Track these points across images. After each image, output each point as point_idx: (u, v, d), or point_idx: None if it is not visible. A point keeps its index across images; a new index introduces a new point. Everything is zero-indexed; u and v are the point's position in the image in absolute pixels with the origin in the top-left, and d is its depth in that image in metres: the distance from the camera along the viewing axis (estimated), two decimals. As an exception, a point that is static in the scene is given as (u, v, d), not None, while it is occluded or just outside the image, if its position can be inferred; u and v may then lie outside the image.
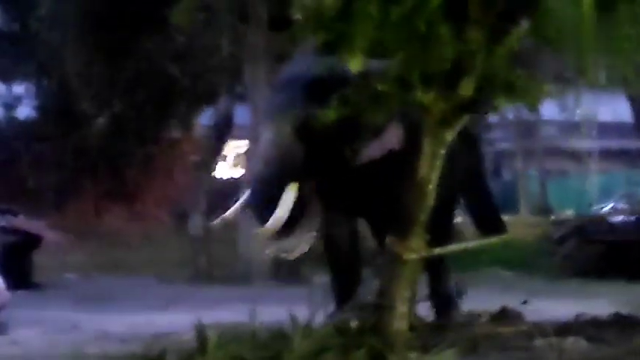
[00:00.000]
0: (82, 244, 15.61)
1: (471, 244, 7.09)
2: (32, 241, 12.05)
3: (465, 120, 4.69)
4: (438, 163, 4.72)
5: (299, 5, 4.52)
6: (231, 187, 16.23)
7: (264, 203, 5.84)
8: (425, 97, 4.42)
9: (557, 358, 5.53)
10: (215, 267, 13.53)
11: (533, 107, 4.97)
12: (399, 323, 4.94)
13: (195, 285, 12.32)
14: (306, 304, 5.46)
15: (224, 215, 6.29)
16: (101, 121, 18.53)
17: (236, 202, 6.45)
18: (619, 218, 14.63)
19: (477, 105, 4.67)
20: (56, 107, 18.89)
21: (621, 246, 13.19)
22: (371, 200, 6.13)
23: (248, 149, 13.65)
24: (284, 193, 5.75)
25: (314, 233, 6.12)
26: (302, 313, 5.40)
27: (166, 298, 10.02)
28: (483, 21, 4.34)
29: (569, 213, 20.58)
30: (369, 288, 5.65)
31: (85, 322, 7.77)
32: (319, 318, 5.53)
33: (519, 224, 16.60)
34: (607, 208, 18.11)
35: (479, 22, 4.32)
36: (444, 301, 6.86)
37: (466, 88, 4.40)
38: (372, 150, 5.84)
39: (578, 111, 18.12)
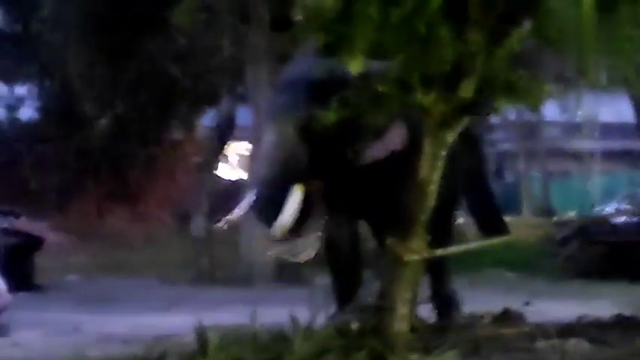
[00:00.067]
0: (84, 246, 15.61)
1: (472, 245, 7.08)
2: (34, 242, 12.05)
3: (465, 121, 4.68)
4: (439, 164, 4.71)
5: (300, 6, 4.51)
6: (233, 189, 16.26)
7: (269, 205, 5.82)
8: (425, 98, 4.41)
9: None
10: (217, 268, 13.52)
11: (535, 108, 4.96)
12: (400, 325, 4.94)
13: (197, 286, 12.32)
14: (308, 305, 5.45)
15: (228, 217, 6.24)
16: (103, 122, 18.53)
17: (240, 203, 6.42)
18: (621, 219, 14.61)
19: (478, 106, 4.66)
20: (58, 108, 18.90)
21: (624, 247, 13.18)
22: (374, 201, 6.12)
23: (250, 150, 13.63)
24: (289, 194, 5.73)
25: (319, 235, 6.09)
26: (304, 314, 5.39)
27: (168, 299, 10.01)
28: (483, 22, 4.33)
29: (571, 214, 20.54)
30: (370, 289, 5.64)
31: (87, 324, 7.75)
32: (320, 319, 5.52)
33: (522, 225, 16.57)
34: (610, 209, 18.07)
35: (479, 24, 4.31)
36: (445, 302, 6.85)
37: (466, 90, 4.39)
38: (376, 151, 5.83)
39: (579, 112, 18.12)
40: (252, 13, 12.82)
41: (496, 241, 6.96)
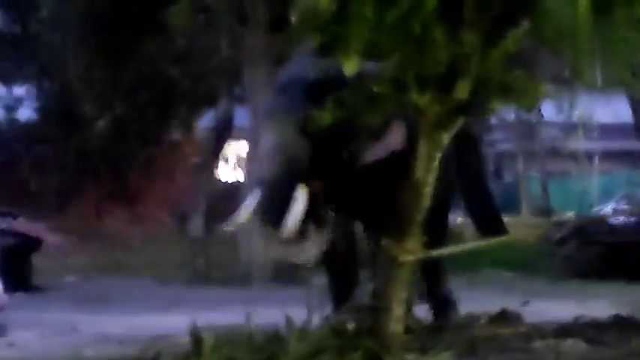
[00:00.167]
0: (83, 246, 15.63)
1: (470, 245, 7.07)
2: (32, 243, 12.06)
3: (460, 122, 4.67)
4: (435, 165, 4.71)
5: (296, 7, 4.50)
6: (232, 189, 16.27)
7: (273, 206, 5.80)
8: (420, 99, 4.40)
9: (555, 360, 5.52)
10: (214, 268, 13.53)
11: (530, 109, 4.96)
12: (396, 325, 4.93)
13: (193, 287, 12.32)
14: (305, 305, 5.44)
15: (234, 219, 6.16)
16: (102, 123, 18.54)
17: (240, 204, 6.37)
18: (620, 219, 14.62)
19: (473, 107, 4.65)
20: (57, 109, 18.92)
21: (621, 247, 13.18)
22: (374, 201, 6.10)
23: (248, 151, 13.63)
24: (293, 195, 5.71)
25: (326, 235, 6.07)
26: (301, 314, 5.39)
27: (165, 299, 10.02)
28: (479, 23, 4.32)
29: (570, 214, 20.55)
30: (365, 290, 5.63)
31: (84, 324, 7.75)
32: (316, 320, 5.52)
33: (520, 225, 16.59)
34: (608, 209, 18.08)
35: (474, 25, 4.31)
36: (441, 302, 6.85)
37: (462, 91, 4.38)
38: (377, 151, 5.82)
39: (576, 112, 18.15)
40: (250, 14, 12.82)
41: (494, 241, 6.95)
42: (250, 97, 13.21)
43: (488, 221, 7.21)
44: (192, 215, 14.26)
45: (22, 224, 12.25)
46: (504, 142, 25.51)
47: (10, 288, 8.40)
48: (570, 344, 5.91)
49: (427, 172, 4.69)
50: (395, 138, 5.75)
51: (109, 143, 18.47)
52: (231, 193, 15.19)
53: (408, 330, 5.41)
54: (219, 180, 20.83)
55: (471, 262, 11.71)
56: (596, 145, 26.01)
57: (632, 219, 14.35)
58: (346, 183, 6.02)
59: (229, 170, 23.53)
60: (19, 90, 19.95)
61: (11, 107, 19.97)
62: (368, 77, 4.72)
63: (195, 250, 13.91)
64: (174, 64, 16.53)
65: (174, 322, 7.04)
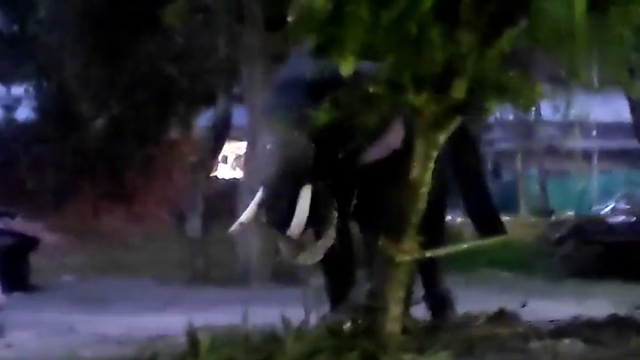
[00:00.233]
0: (81, 245, 15.62)
1: (468, 244, 7.08)
2: (29, 243, 12.05)
3: (457, 122, 4.67)
4: (431, 165, 4.71)
5: (294, 7, 4.51)
6: (230, 188, 16.26)
7: (278, 207, 5.78)
8: (417, 99, 4.41)
9: (553, 360, 5.52)
10: (213, 268, 13.52)
11: (527, 109, 4.96)
12: (392, 325, 4.93)
13: (192, 286, 12.32)
14: (302, 305, 5.44)
15: (240, 220, 6.13)
16: (100, 122, 18.54)
17: (238, 204, 6.35)
18: (619, 219, 14.62)
19: (469, 107, 4.66)
20: (55, 109, 18.91)
21: (619, 247, 13.19)
22: (373, 201, 6.09)
23: (246, 150, 13.63)
24: (299, 195, 5.70)
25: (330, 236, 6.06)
26: (299, 314, 5.39)
27: (163, 299, 10.02)
28: (475, 23, 4.33)
29: (570, 213, 20.55)
30: (362, 290, 5.63)
31: (82, 324, 7.75)
32: (314, 320, 5.52)
33: (519, 225, 16.61)
34: (608, 208, 18.08)
35: (470, 25, 4.31)
36: (439, 302, 6.85)
37: (458, 91, 4.39)
38: (378, 150, 5.81)
39: (573, 111, 18.16)
40: (247, 13, 12.81)
41: (491, 241, 6.96)
42: (248, 96, 13.21)
43: (487, 221, 7.21)
44: (190, 215, 14.25)
45: (20, 224, 12.25)
46: (503, 141, 25.51)
47: (8, 288, 8.40)
48: (568, 344, 5.91)
49: (424, 172, 4.70)
50: (395, 137, 5.75)
51: (107, 142, 18.47)
52: (230, 192, 15.20)
53: (405, 330, 5.41)
54: (218, 179, 20.82)
55: (469, 262, 11.72)
56: (595, 144, 26.02)
57: (632, 219, 14.34)
58: (347, 182, 6.02)
59: (228, 169, 23.53)
60: (17, 90, 19.96)
61: (9, 107, 19.98)
62: (366, 77, 4.72)
63: (194, 250, 13.90)
64: (172, 62, 16.53)
65: (172, 322, 7.03)
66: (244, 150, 14.13)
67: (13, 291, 9.16)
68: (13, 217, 12.29)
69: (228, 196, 15.26)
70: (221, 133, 14.74)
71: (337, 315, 5.61)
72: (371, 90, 4.49)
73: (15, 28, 19.19)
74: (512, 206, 22.12)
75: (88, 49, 15.97)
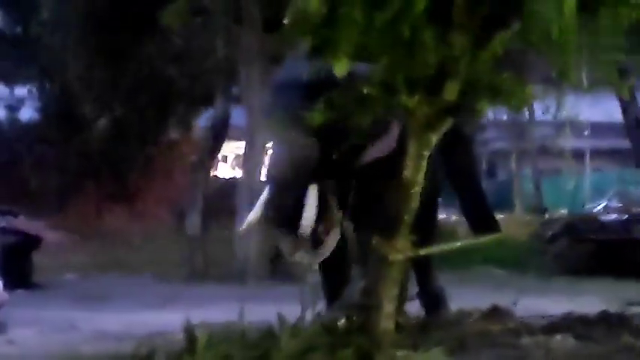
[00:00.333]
0: (83, 244, 15.64)
1: (463, 242, 7.06)
2: (32, 241, 12.06)
3: (449, 123, 4.67)
4: (423, 165, 4.70)
5: (290, 10, 4.50)
6: (229, 187, 16.27)
7: (285, 207, 5.75)
8: (409, 100, 4.40)
9: (545, 356, 5.50)
10: (211, 266, 13.53)
11: (518, 110, 4.96)
12: (386, 322, 4.92)
13: (191, 284, 12.32)
14: (299, 302, 5.43)
15: (248, 220, 6.09)
16: (102, 123, 18.55)
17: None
18: (611, 217, 14.61)
19: (462, 108, 4.65)
20: (58, 110, 18.92)
21: (611, 244, 13.19)
22: (368, 200, 6.08)
23: (245, 149, 13.64)
24: (306, 196, 5.67)
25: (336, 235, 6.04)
26: (296, 311, 5.39)
27: (163, 297, 10.02)
28: (467, 26, 4.32)
29: (563, 211, 20.57)
30: (355, 288, 5.62)
31: (83, 322, 7.76)
32: (310, 317, 5.51)
33: (514, 223, 16.62)
34: (601, 206, 18.08)
35: (463, 27, 4.30)
36: (432, 299, 6.84)
37: (450, 93, 4.38)
38: (377, 150, 5.80)
39: (565, 112, 18.16)
40: (245, 15, 12.82)
41: (484, 239, 6.95)
42: (246, 97, 13.22)
43: (482, 221, 7.20)
44: (190, 213, 14.26)
45: (23, 222, 12.26)
46: (498, 140, 25.55)
47: (11, 286, 8.40)
48: (559, 340, 5.89)
49: (416, 172, 4.69)
50: (395, 138, 5.74)
51: (109, 143, 18.48)
52: (229, 191, 15.22)
53: (398, 327, 5.40)
54: (217, 178, 20.85)
55: (462, 260, 11.74)
56: (588, 144, 26.06)
57: (624, 216, 14.33)
58: (343, 182, 6.01)
59: (228, 168, 23.55)
60: (20, 90, 19.97)
61: (13, 107, 19.99)
62: (362, 78, 4.71)
63: (193, 248, 13.91)
64: (172, 64, 16.53)
65: (171, 319, 7.02)
66: (243, 149, 14.14)
67: (16, 289, 9.17)
68: (16, 215, 12.29)
69: (227, 195, 15.28)
70: (220, 133, 14.76)
71: (332, 312, 5.60)
72: (365, 91, 4.47)
73: (18, 29, 19.21)
74: (507, 204, 22.16)
75: (90, 51, 15.97)
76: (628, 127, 17.41)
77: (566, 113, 18.51)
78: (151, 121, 18.72)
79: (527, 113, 22.58)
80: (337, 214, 6.04)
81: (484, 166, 26.17)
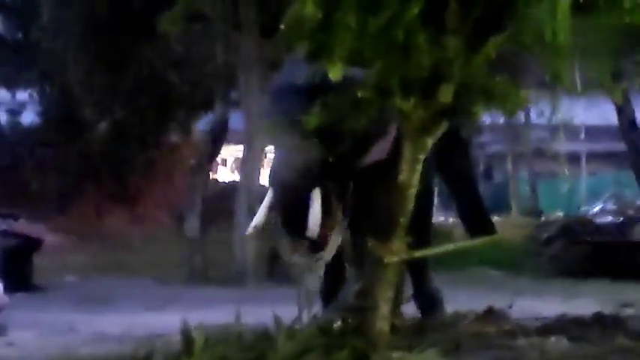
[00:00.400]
0: (84, 246, 15.64)
1: (455, 245, 7.06)
2: (32, 244, 12.05)
3: (444, 126, 4.66)
4: (418, 168, 4.70)
5: (287, 16, 4.50)
6: (228, 191, 16.28)
7: (291, 211, 5.74)
8: (404, 104, 4.40)
9: (539, 357, 5.49)
10: (210, 268, 13.52)
11: (512, 113, 4.95)
12: (382, 324, 4.92)
13: (190, 286, 12.31)
14: (297, 304, 5.43)
15: (254, 223, 6.06)
16: (103, 126, 18.54)
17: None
18: (606, 219, 14.62)
19: (456, 112, 4.65)
20: (59, 114, 18.91)
21: (607, 246, 13.19)
22: (363, 203, 6.07)
23: (243, 153, 13.66)
24: (311, 198, 5.66)
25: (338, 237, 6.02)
26: (293, 313, 5.37)
27: (162, 298, 10.01)
28: (461, 30, 4.32)
29: (559, 214, 20.57)
30: (350, 289, 5.61)
31: (83, 324, 7.75)
32: (307, 318, 5.50)
33: (510, 225, 16.61)
34: (596, 209, 18.08)
35: (456, 31, 4.30)
36: (428, 301, 6.83)
37: (445, 96, 4.37)
38: (377, 153, 5.79)
39: (559, 115, 18.19)
40: (244, 22, 12.83)
41: (480, 240, 6.95)
42: (244, 101, 13.23)
43: (478, 223, 7.20)
44: (189, 216, 14.27)
45: (23, 225, 12.26)
46: (494, 144, 25.55)
47: (11, 288, 8.39)
48: (554, 341, 5.89)
49: (412, 175, 4.69)
50: (390, 140, 5.72)
51: (110, 146, 18.46)
52: (228, 194, 15.22)
53: (394, 328, 5.39)
54: (217, 181, 20.86)
55: (458, 261, 11.72)
56: (583, 147, 26.06)
57: (619, 219, 14.34)
58: (340, 185, 6.00)
59: (227, 172, 23.56)
60: (22, 95, 19.97)
61: (15, 111, 19.99)
62: (359, 82, 4.70)
63: (193, 250, 13.91)
64: (172, 69, 16.53)
65: (170, 321, 7.01)
66: (241, 153, 14.16)
67: (16, 291, 9.16)
68: (16, 218, 12.29)
69: (226, 198, 15.28)
70: (218, 136, 14.78)
71: (328, 314, 5.59)
72: (360, 94, 4.47)
73: (19, 34, 19.21)
74: (503, 207, 22.16)
75: (90, 55, 15.96)
76: (623, 130, 17.39)
77: (561, 116, 18.51)
78: (151, 125, 18.71)
79: (523, 117, 22.59)
80: (340, 216, 6.03)
81: (481, 168, 26.16)
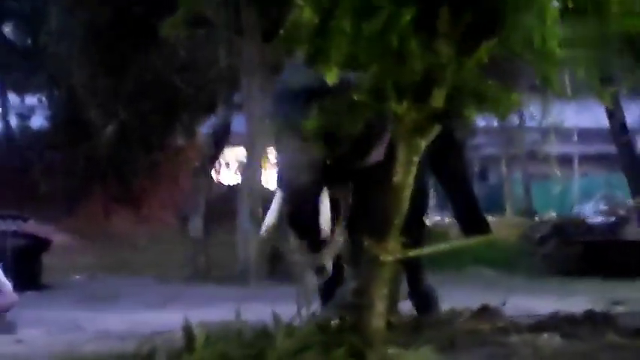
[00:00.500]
0: (91, 246, 15.65)
1: (450, 244, 7.05)
2: (41, 244, 12.08)
3: (437, 129, 4.66)
4: (413, 169, 4.69)
5: (286, 21, 4.50)
6: (230, 192, 16.30)
7: (301, 209, 5.72)
8: (398, 107, 4.39)
9: (532, 354, 5.47)
10: (213, 267, 13.53)
11: (504, 116, 4.94)
12: (378, 321, 4.91)
13: (193, 284, 12.31)
14: (296, 302, 5.42)
15: (266, 225, 6.03)
16: (109, 129, 18.54)
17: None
18: (598, 219, 14.62)
19: (450, 115, 4.65)
20: (66, 117, 18.93)
21: (598, 246, 13.19)
22: (360, 203, 6.06)
23: (245, 156, 13.67)
24: (319, 201, 5.64)
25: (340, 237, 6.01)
26: (293, 311, 5.37)
27: (165, 297, 10.02)
28: (452, 35, 4.31)
29: (552, 214, 20.58)
30: (347, 288, 5.60)
31: (88, 322, 7.75)
32: (306, 316, 5.49)
33: (504, 225, 16.61)
34: (588, 209, 18.08)
35: (448, 37, 4.30)
36: (423, 299, 6.81)
37: (437, 99, 4.37)
38: (376, 155, 5.78)
39: (551, 118, 18.19)
40: (246, 27, 12.84)
41: (474, 240, 6.93)
42: (247, 105, 13.24)
43: (473, 223, 7.19)
44: (193, 217, 14.28)
45: (32, 226, 12.29)
46: (489, 146, 25.56)
47: (21, 287, 8.40)
48: (546, 338, 5.87)
49: (406, 176, 4.67)
50: (384, 142, 5.72)
51: (116, 149, 18.48)
52: (231, 197, 15.22)
53: (390, 326, 5.38)
54: (220, 183, 20.87)
55: (454, 261, 11.72)
56: (576, 149, 26.09)
57: (611, 219, 14.34)
58: (344, 185, 6.00)
59: (230, 174, 23.54)
60: (31, 99, 19.99)
61: (24, 116, 20.02)
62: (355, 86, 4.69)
63: (196, 250, 13.92)
64: (176, 73, 16.55)
65: (173, 319, 7.00)
66: (243, 155, 14.18)
67: (25, 290, 9.17)
68: (26, 220, 12.31)
69: (229, 199, 15.29)
70: (221, 139, 14.79)
71: (325, 312, 5.58)
72: (355, 98, 4.47)
73: (28, 40, 19.24)
74: (497, 207, 22.17)
75: (96, 60, 15.98)
76: (614, 132, 17.41)
77: (552, 120, 18.52)
78: (156, 128, 18.72)
79: (516, 120, 22.59)
80: (341, 216, 6.02)
81: (476, 170, 26.17)
